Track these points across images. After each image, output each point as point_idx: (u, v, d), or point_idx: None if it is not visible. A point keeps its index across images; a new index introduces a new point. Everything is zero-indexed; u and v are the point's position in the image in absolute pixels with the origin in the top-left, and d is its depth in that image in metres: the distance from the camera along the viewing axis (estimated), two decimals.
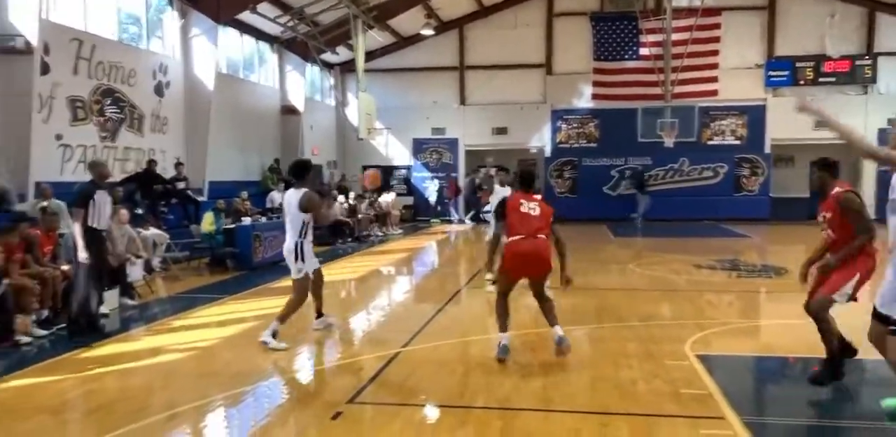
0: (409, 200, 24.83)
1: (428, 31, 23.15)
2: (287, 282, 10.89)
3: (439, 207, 24.79)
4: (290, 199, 6.89)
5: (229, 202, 13.73)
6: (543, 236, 6.14)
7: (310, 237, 6.93)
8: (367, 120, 19.97)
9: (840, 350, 5.29)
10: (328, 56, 22.26)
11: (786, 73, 22.89)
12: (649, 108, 22.73)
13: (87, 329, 7.13)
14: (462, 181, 24.87)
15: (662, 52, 21.88)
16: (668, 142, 22.31)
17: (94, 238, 7.15)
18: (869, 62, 22.51)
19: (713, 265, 12.39)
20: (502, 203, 6.40)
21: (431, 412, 4.96)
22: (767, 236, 19.02)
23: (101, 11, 13.57)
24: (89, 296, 7.13)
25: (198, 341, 7.14)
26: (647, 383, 5.48)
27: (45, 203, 9.84)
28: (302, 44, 20.00)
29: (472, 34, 24.71)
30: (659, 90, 22.11)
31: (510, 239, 6.17)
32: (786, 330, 7.47)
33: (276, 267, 11.64)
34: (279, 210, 14.18)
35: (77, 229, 7.02)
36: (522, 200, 6.23)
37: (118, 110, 13.74)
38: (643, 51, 22.82)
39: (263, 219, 14.01)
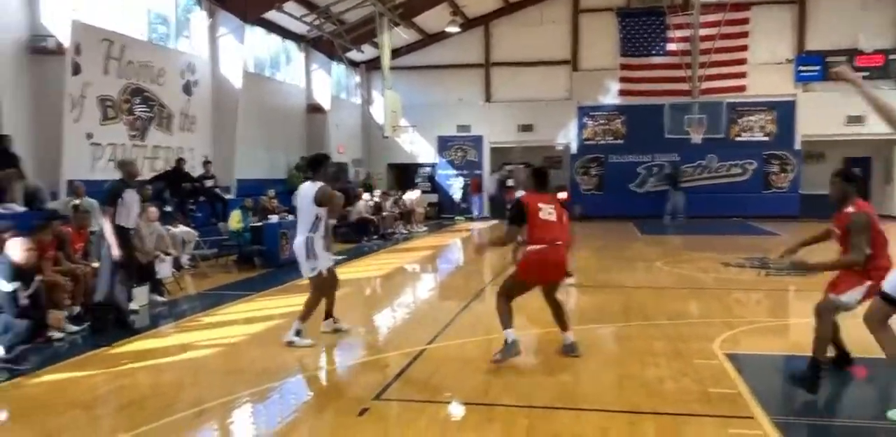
0: (434, 198, 24.85)
1: (453, 29, 23.12)
2: None
3: (464, 205, 24.80)
4: (304, 192, 6.69)
5: (256, 200, 13.85)
6: (561, 243, 6.01)
7: (321, 233, 6.70)
8: (393, 118, 20.00)
9: (837, 358, 5.25)
10: (354, 54, 22.33)
11: (816, 68, 22.46)
12: (676, 104, 22.46)
13: (113, 326, 7.22)
14: (487, 179, 24.85)
15: (690, 47, 21.62)
16: (696, 138, 22.04)
17: (122, 236, 7.22)
18: None
19: (742, 263, 12.23)
20: (518, 205, 6.09)
21: (457, 410, 4.96)
22: (797, 233, 18.65)
23: (130, 12, 13.75)
24: (115, 294, 7.21)
25: (225, 338, 7.22)
26: (675, 381, 5.43)
27: (77, 201, 9.99)
28: (328, 42, 20.08)
29: (497, 31, 24.64)
30: (686, 86, 21.85)
31: (534, 248, 5.93)
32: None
33: None
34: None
35: (108, 228, 7.12)
36: (541, 205, 5.98)
37: (147, 109, 13.92)
38: (670, 46, 22.58)
39: (290, 217, 14.07)
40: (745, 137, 23.53)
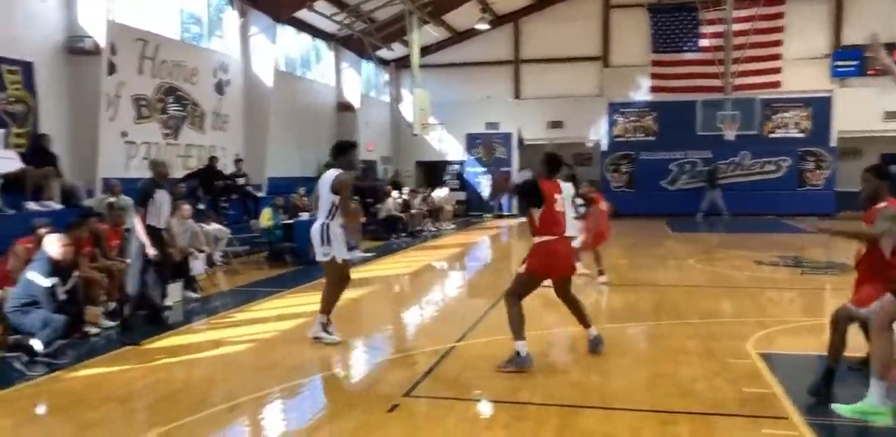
0: (462, 196, 24.85)
1: (483, 26, 23.10)
2: None
3: (492, 203, 24.77)
4: (325, 179, 6.64)
5: (287, 198, 13.96)
6: (567, 236, 5.94)
7: (338, 221, 6.59)
8: (422, 115, 20.04)
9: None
10: (383, 52, 22.41)
11: (854, 63, 22.02)
12: (709, 100, 22.16)
13: (147, 323, 7.31)
14: (516, 176, 24.75)
15: (723, 43, 21.32)
16: (729, 135, 21.74)
17: (153, 236, 7.26)
18: None
19: (775, 262, 12.05)
20: (535, 186, 5.85)
21: (487, 408, 4.96)
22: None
23: (164, 12, 13.95)
24: (147, 291, 7.28)
25: (257, 334, 7.29)
26: (708, 381, 5.37)
27: (112, 199, 10.16)
28: (358, 41, 20.17)
29: (527, 28, 24.55)
30: (719, 82, 21.55)
31: (542, 238, 5.80)
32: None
33: None
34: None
35: (140, 228, 7.16)
36: (556, 195, 5.86)
37: (180, 108, 14.10)
38: (703, 42, 22.31)
39: None
40: (779, 133, 23.16)
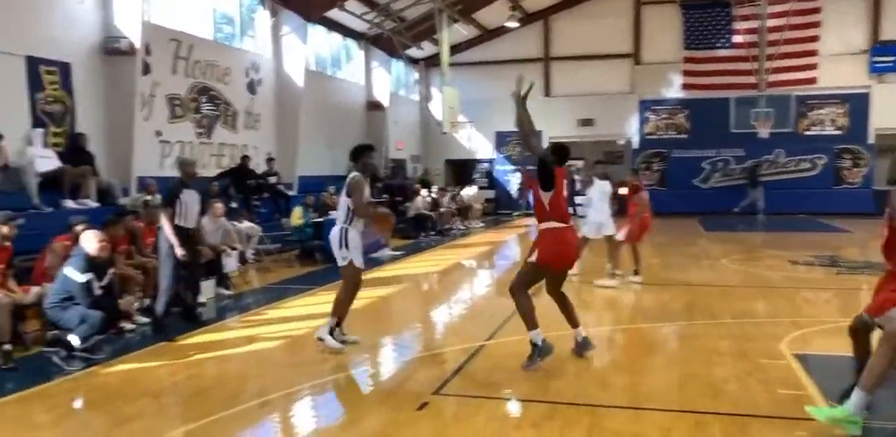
0: (491, 194, 24.82)
1: (513, 24, 23.02)
2: (373, 274, 11.13)
3: (521, 201, 24.71)
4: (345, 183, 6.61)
5: (317, 196, 14.07)
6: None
7: (358, 226, 6.46)
8: (451, 114, 20.03)
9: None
10: (413, 51, 22.44)
11: (892, 58, 21.57)
12: (743, 97, 21.87)
13: (179, 322, 7.39)
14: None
15: (757, 39, 21.01)
16: (763, 132, 21.42)
17: (184, 236, 7.23)
18: None
19: (810, 261, 11.84)
20: (550, 172, 5.69)
21: (516, 406, 4.95)
22: (870, 230, 18.00)
23: (197, 12, 14.13)
24: (177, 292, 7.31)
25: (288, 331, 7.36)
26: (741, 381, 5.30)
27: (147, 197, 10.32)
28: (388, 40, 20.23)
29: (557, 25, 24.42)
30: (753, 79, 21.25)
31: (551, 225, 5.66)
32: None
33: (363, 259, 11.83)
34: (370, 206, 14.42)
35: (167, 228, 7.15)
36: (566, 182, 5.76)
37: (213, 108, 14.28)
38: (736, 38, 21.98)
39: None
40: (814, 131, 22.76)
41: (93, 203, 10.12)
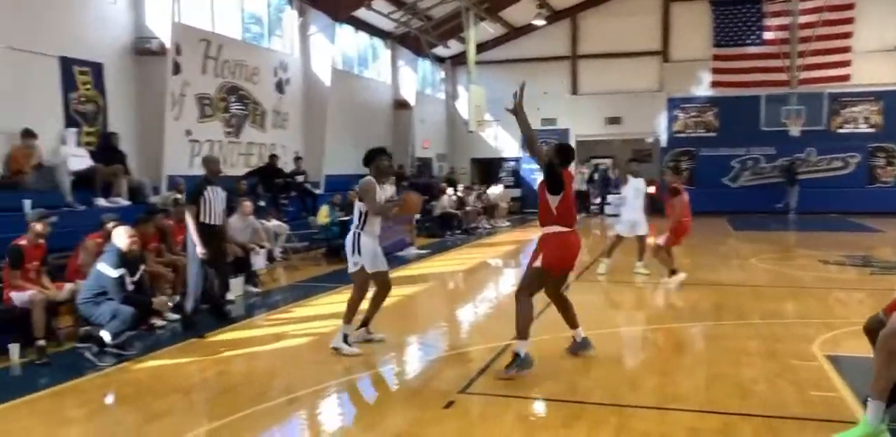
0: (517, 193, 24.74)
1: (540, 22, 22.92)
2: (399, 272, 11.16)
3: None
4: None
5: (344, 195, 14.11)
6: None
7: (373, 230, 6.39)
8: (477, 112, 20.02)
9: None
10: (439, 50, 22.46)
11: None
12: (773, 95, 21.57)
13: (208, 319, 7.45)
14: (574, 172, 24.56)
15: (789, 36, 20.69)
16: (794, 131, 21.10)
17: (209, 234, 7.22)
18: None
19: (842, 261, 11.64)
20: (559, 175, 5.61)
21: (544, 406, 4.94)
22: None
23: (226, 12, 14.26)
24: (204, 290, 7.35)
25: (315, 328, 7.40)
26: (771, 383, 5.24)
27: (178, 196, 10.45)
28: (414, 38, 20.27)
29: (584, 23, 24.27)
30: (784, 76, 20.94)
31: (556, 229, 5.58)
32: None
33: (388, 258, 11.85)
34: (389, 203, 14.46)
35: (191, 226, 7.17)
36: (573, 185, 5.66)
37: (242, 107, 14.41)
38: (767, 35, 21.69)
39: None
40: (847, 129, 22.36)
41: (124, 202, 10.26)
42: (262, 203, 12.34)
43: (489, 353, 6.24)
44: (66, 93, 10.33)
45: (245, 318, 8.06)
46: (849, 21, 21.11)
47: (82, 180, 9.88)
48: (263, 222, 11.09)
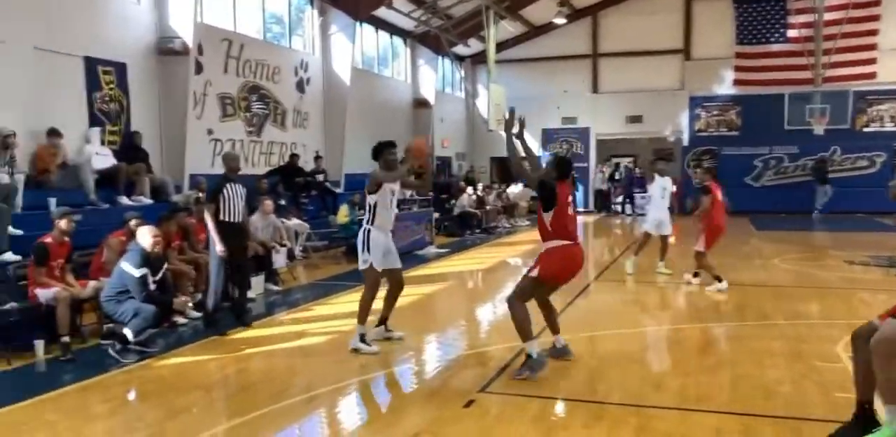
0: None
1: (560, 20, 22.84)
2: (419, 271, 11.18)
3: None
4: None
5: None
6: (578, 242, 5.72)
7: (384, 224, 6.37)
8: (497, 111, 19.96)
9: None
10: (459, 48, 22.45)
11: None
12: (797, 93, 21.32)
13: (229, 317, 7.48)
14: (593, 171, 24.44)
15: (813, 33, 20.43)
16: (818, 129, 20.85)
17: (229, 231, 7.20)
18: None
19: (866, 262, 11.48)
20: (551, 190, 5.55)
21: (564, 406, 4.91)
22: None
23: (248, 12, 14.35)
24: (226, 288, 7.38)
25: (335, 327, 7.43)
26: (795, 384, 5.17)
27: (199, 194, 10.52)
28: (434, 37, 20.28)
29: (605, 21, 24.16)
30: (808, 74, 20.67)
31: (558, 244, 5.53)
32: None
33: (408, 257, 11.89)
34: (411, 202, 14.51)
35: (211, 224, 7.16)
36: (570, 199, 5.64)
37: (263, 106, 14.50)
38: (791, 33, 21.44)
39: (395, 211, 14.31)
40: (873, 127, 22.07)
41: (147, 200, 10.36)
42: (282, 202, 12.41)
43: (508, 352, 6.22)
44: (90, 92, 10.46)
45: (266, 316, 8.10)
46: (875, 18, 20.82)
47: (106, 179, 9.99)
48: (284, 220, 11.15)
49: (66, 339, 6.22)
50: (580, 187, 24.44)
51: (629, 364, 5.83)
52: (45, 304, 6.42)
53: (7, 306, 6.51)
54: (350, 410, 5.05)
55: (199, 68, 12.11)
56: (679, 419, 4.53)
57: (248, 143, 13.99)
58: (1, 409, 4.89)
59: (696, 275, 9.60)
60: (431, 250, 13.92)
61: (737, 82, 22.52)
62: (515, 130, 5.93)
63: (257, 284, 9.11)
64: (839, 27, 20.36)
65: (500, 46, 21.78)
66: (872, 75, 20.97)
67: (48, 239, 6.62)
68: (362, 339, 6.28)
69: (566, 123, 24.53)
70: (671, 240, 10.30)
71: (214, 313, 7.35)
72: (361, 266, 6.36)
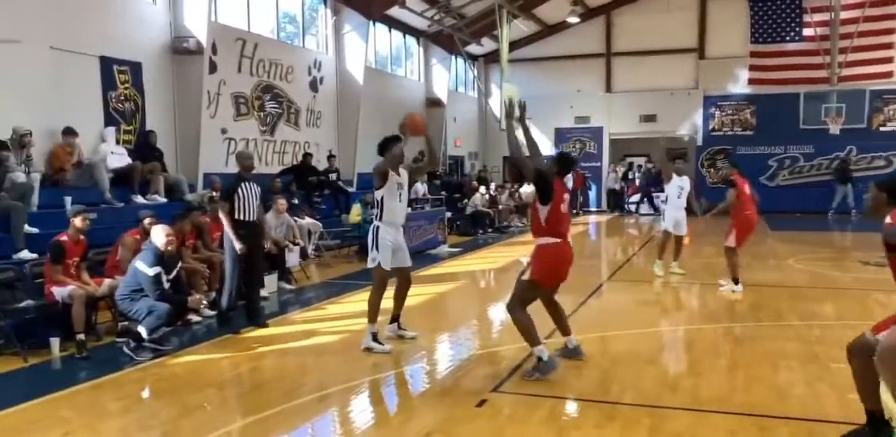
0: None
1: (573, 19, 22.78)
2: (431, 270, 11.19)
3: (581, 198, 24.46)
4: None
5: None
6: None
7: (393, 219, 6.34)
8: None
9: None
10: (472, 47, 22.43)
11: None
12: (812, 92, 21.17)
13: (242, 316, 7.49)
14: (606, 171, 24.37)
15: (829, 32, 20.26)
16: (834, 129, 20.68)
17: (244, 230, 7.20)
18: None
19: (881, 262, 11.33)
20: (549, 184, 5.43)
21: (576, 406, 4.90)
22: None
23: (261, 11, 14.41)
24: (240, 286, 7.38)
25: (347, 325, 7.44)
26: (810, 386, 5.13)
27: (213, 193, 10.58)
28: (447, 37, 20.27)
29: (619, 20, 24.06)
30: (824, 73, 20.50)
31: (547, 240, 5.46)
32: None
33: (420, 256, 11.90)
34: (424, 201, 14.52)
35: (226, 223, 7.17)
36: (566, 196, 5.55)
37: (277, 105, 14.55)
38: (807, 31, 21.25)
39: (408, 209, 14.33)
40: (890, 127, 21.87)
41: (161, 199, 10.43)
42: (295, 201, 12.45)
43: (521, 352, 6.20)
44: (105, 92, 10.54)
45: (279, 314, 8.13)
46: (892, 17, 20.61)
47: (121, 178, 10.07)
48: (297, 219, 11.18)
49: (81, 336, 6.26)
50: (593, 187, 24.44)
51: (642, 365, 5.81)
52: (60, 302, 6.47)
53: (23, 304, 6.59)
54: (362, 409, 5.05)
55: (213, 68, 12.17)
56: (693, 419, 4.51)
57: (261, 142, 14.05)
58: (16, 406, 4.93)
59: (736, 282, 9.09)
60: (444, 249, 13.93)
61: (751, 81, 22.37)
62: (516, 114, 5.83)
63: (270, 282, 9.15)
64: (855, 26, 20.17)
65: (513, 46, 21.75)
66: (889, 74, 20.77)
67: (64, 237, 6.67)
68: (374, 338, 6.29)
69: (579, 122, 24.47)
70: (685, 241, 10.25)
71: (228, 311, 7.38)
72: (370, 264, 6.36)
